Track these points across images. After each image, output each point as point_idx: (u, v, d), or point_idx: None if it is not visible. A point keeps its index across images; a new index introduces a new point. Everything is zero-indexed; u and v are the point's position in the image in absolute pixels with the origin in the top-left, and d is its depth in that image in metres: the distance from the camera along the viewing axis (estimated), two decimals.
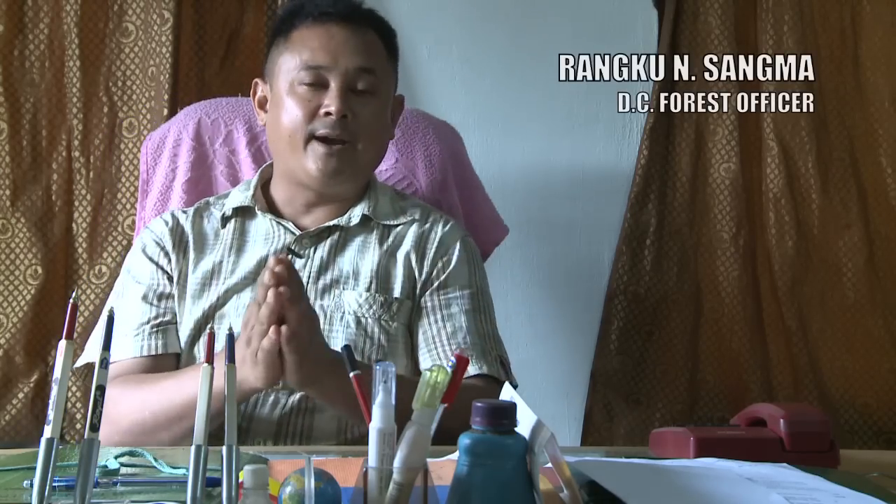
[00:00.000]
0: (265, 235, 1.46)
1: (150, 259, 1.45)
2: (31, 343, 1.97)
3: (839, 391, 2.13)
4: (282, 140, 1.42)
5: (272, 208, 1.49)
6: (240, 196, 1.50)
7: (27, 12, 2.00)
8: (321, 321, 1.38)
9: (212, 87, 2.01)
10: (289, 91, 1.41)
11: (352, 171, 1.43)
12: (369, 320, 1.39)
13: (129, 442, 1.25)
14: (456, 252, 1.48)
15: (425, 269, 1.46)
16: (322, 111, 1.39)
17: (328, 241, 1.45)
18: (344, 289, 1.41)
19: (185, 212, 1.51)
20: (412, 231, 1.48)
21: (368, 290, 1.41)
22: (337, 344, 1.34)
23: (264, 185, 1.53)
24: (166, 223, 1.48)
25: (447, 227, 1.51)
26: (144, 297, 1.42)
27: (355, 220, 1.46)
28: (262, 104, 1.49)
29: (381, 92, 1.45)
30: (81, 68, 1.99)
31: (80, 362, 1.45)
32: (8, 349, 1.96)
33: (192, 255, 1.45)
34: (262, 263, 1.42)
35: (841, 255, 2.15)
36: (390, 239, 1.47)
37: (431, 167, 1.71)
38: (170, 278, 1.44)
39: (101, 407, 0.75)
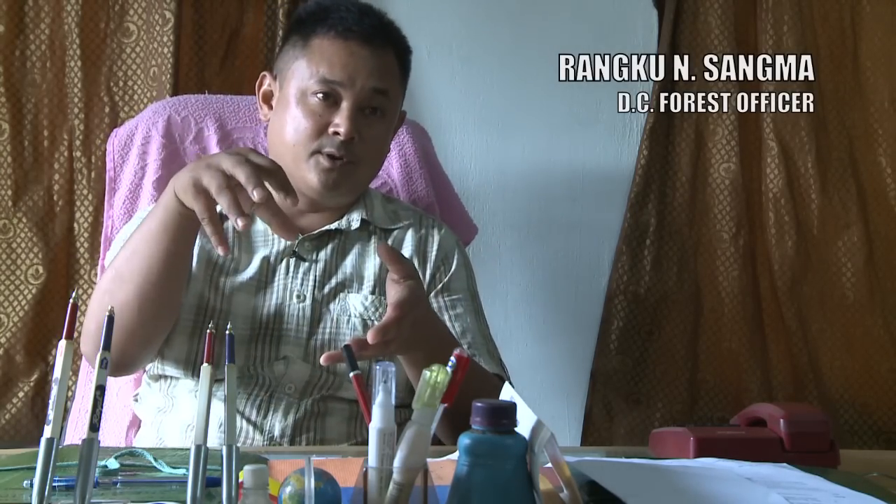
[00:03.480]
0: (264, 237, 1.45)
1: None
2: (31, 342, 1.97)
3: (839, 391, 2.13)
4: (285, 147, 1.41)
5: None
6: None
7: (28, 12, 2.00)
8: (329, 325, 1.39)
9: (212, 87, 2.01)
10: (299, 99, 1.39)
11: (350, 187, 1.43)
12: (376, 323, 1.39)
13: (98, 324, 1.25)
14: (455, 256, 1.51)
15: (428, 273, 1.48)
16: (331, 130, 1.38)
17: (329, 246, 1.45)
18: (349, 292, 1.41)
19: None
20: (409, 235, 1.50)
21: (373, 293, 1.42)
22: None
23: None
24: None
25: (443, 232, 1.53)
26: None
27: (355, 225, 1.46)
28: (268, 98, 1.48)
29: (389, 113, 1.44)
30: (83, 68, 1.99)
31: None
32: (9, 348, 1.96)
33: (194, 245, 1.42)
34: (264, 265, 1.42)
35: (840, 255, 2.15)
36: (389, 243, 1.48)
37: (407, 167, 1.72)
38: None
39: (101, 407, 0.75)
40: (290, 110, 1.40)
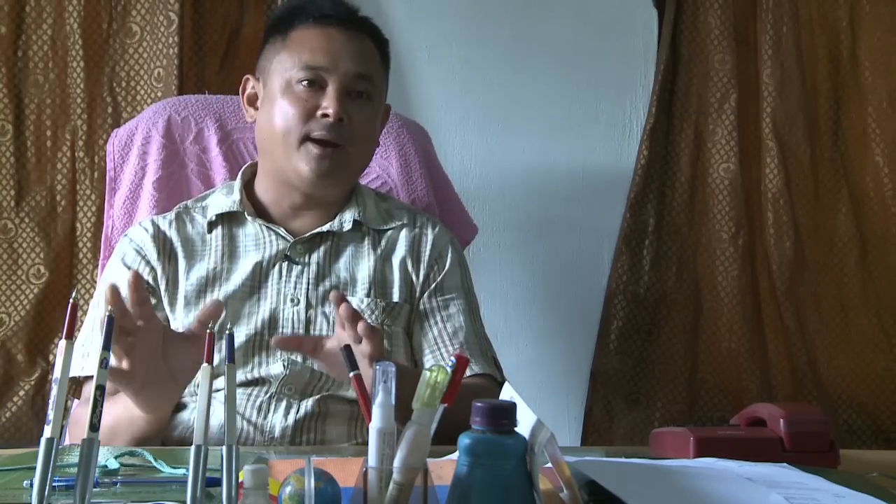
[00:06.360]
0: (255, 241, 1.45)
1: (130, 269, 1.41)
2: (32, 342, 1.98)
3: (837, 390, 2.13)
4: (275, 139, 1.41)
5: (259, 211, 1.48)
6: (224, 200, 1.48)
7: (30, 13, 2.00)
8: (325, 328, 1.39)
9: (212, 87, 2.01)
10: (284, 90, 1.40)
11: (342, 175, 1.43)
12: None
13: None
14: (449, 255, 1.51)
15: (422, 273, 1.47)
16: (319, 112, 1.39)
17: (322, 248, 1.45)
18: (344, 295, 1.41)
19: (165, 217, 1.48)
20: (403, 235, 1.49)
21: (368, 295, 1.42)
22: None
23: (247, 185, 1.51)
24: (146, 230, 1.45)
25: (437, 230, 1.53)
26: None
27: (347, 226, 1.46)
28: (252, 101, 1.49)
29: (375, 99, 1.45)
30: (85, 69, 1.99)
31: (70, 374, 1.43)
32: (10, 347, 1.96)
33: (181, 261, 1.42)
34: (257, 269, 1.42)
35: (838, 255, 2.15)
36: (383, 244, 1.48)
37: (407, 166, 1.72)
38: (152, 288, 1.41)
39: (101, 407, 0.75)
40: (277, 102, 1.41)
